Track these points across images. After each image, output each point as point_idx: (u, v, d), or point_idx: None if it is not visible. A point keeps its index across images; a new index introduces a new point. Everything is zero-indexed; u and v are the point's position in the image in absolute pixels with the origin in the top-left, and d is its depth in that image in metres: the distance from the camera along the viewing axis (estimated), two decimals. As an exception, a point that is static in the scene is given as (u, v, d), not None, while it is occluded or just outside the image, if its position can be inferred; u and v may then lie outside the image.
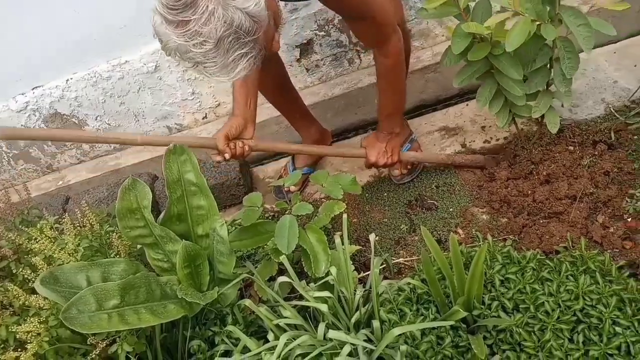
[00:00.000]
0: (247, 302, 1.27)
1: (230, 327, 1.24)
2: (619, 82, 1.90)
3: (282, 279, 1.35)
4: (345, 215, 1.49)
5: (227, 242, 1.25)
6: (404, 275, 1.66)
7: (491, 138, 1.97)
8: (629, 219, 1.57)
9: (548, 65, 1.61)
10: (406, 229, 1.83)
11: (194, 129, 2.49)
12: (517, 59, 1.55)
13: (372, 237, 1.37)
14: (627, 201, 1.60)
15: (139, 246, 1.37)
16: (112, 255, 1.34)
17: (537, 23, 1.48)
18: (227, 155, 1.51)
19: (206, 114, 2.46)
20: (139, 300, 1.17)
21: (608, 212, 1.59)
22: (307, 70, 2.40)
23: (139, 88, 2.30)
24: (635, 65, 1.91)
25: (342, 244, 1.46)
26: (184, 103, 2.41)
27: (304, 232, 1.49)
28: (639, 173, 1.65)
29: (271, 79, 1.87)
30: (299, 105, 2.03)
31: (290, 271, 1.34)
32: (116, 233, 1.37)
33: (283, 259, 1.34)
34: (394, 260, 1.73)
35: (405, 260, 1.73)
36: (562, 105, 1.77)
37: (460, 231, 1.75)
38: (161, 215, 1.30)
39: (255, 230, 1.52)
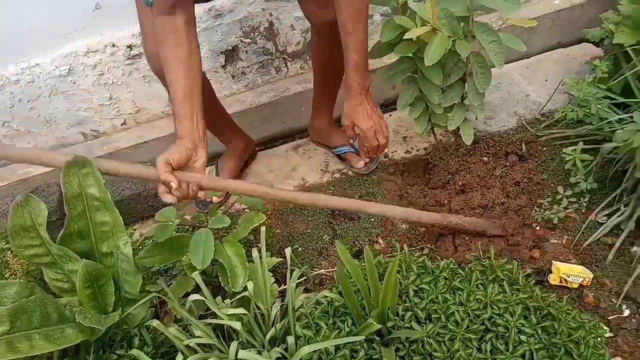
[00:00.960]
0: (155, 322, 1.21)
1: (134, 351, 1.17)
2: (531, 95, 2.00)
3: (195, 296, 1.29)
4: (263, 228, 1.46)
5: (132, 260, 1.19)
6: (325, 287, 1.65)
7: (412, 148, 2.00)
8: (538, 228, 1.64)
9: (463, 80, 1.67)
10: (329, 239, 1.82)
11: (112, 136, 2.37)
12: (439, 65, 1.59)
13: (287, 251, 1.34)
14: (535, 210, 1.67)
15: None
16: (6, 276, 1.23)
17: (453, 39, 1.53)
18: (173, 185, 1.19)
19: (125, 120, 2.35)
20: (32, 326, 1.08)
21: (518, 221, 1.66)
22: (233, 77, 2.35)
23: (51, 92, 2.16)
24: (546, 80, 2.01)
25: (260, 257, 1.43)
26: (101, 109, 2.29)
27: (221, 246, 1.45)
28: (547, 183, 1.73)
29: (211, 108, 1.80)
30: (225, 120, 1.98)
31: (203, 288, 1.29)
32: (11, 251, 1.26)
33: (196, 275, 1.29)
34: (315, 271, 1.71)
35: (327, 272, 1.72)
36: (477, 118, 1.83)
37: (380, 241, 1.76)
38: (60, 233, 1.21)
39: (169, 245, 1.46)
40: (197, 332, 1.26)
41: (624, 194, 1.56)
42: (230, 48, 2.23)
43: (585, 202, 1.63)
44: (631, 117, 1.52)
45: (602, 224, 1.57)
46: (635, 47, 1.62)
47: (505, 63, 2.15)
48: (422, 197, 1.81)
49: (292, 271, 1.68)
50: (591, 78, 1.69)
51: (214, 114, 1.86)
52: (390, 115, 2.16)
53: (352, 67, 1.44)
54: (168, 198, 1.22)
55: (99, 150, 2.30)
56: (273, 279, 1.50)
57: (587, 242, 1.55)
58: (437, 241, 1.68)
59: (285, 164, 2.09)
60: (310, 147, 2.14)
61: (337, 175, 2.01)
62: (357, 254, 1.75)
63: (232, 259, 1.44)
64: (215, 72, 2.29)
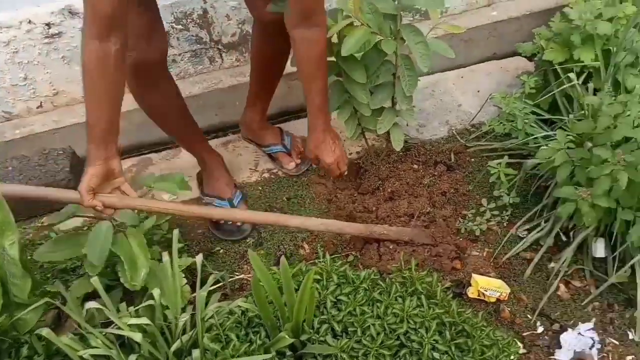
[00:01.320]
0: (45, 331, 1.10)
1: (20, 362, 1.05)
2: (463, 105, 2.00)
3: (92, 304, 1.19)
4: (176, 231, 1.36)
5: (19, 262, 1.07)
6: (245, 292, 1.58)
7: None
8: (461, 239, 1.64)
9: (393, 83, 1.64)
10: (253, 242, 1.75)
11: (27, 119, 2.18)
12: (362, 64, 1.55)
13: (198, 258, 1.26)
14: (460, 221, 1.67)
15: None
16: None
17: (380, 39, 1.49)
18: (99, 208, 1.24)
19: (41, 102, 2.17)
20: None
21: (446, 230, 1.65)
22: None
23: (-44, 68, 1.95)
24: (478, 91, 2.02)
25: (171, 259, 1.34)
26: (15, 89, 2.10)
27: (124, 240, 1.34)
28: (472, 195, 1.74)
29: (175, 109, 1.66)
30: (198, 128, 1.80)
31: (101, 291, 1.19)
32: None
33: (95, 278, 1.19)
34: (236, 276, 1.64)
35: (247, 277, 1.65)
36: (407, 124, 1.81)
37: (306, 246, 1.71)
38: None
39: (72, 241, 1.34)
40: (95, 342, 1.15)
41: (544, 209, 1.59)
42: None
43: (507, 215, 1.65)
44: (555, 134, 1.55)
45: (523, 238, 1.59)
46: (564, 65, 1.65)
47: (441, 71, 2.19)
48: (351, 202, 1.78)
49: (206, 277, 1.61)
50: (519, 93, 1.71)
51: (189, 122, 1.75)
52: (325, 115, 2.10)
53: (315, 110, 1.51)
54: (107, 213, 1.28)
55: (10, 133, 2.11)
56: (187, 285, 1.42)
57: (507, 256, 1.56)
58: (363, 248, 1.65)
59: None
60: (241, 144, 2.06)
61: (266, 175, 1.94)
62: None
63: (133, 250, 1.33)
64: (144, 58, 2.15)
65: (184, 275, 1.39)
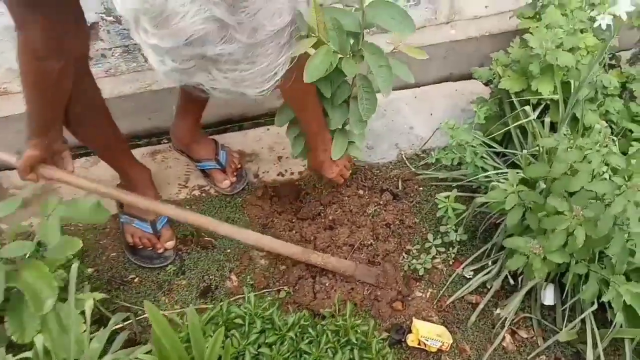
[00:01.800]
0: None
1: None
2: (415, 128, 1.88)
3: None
4: (74, 266, 1.15)
5: None
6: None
7: (286, 171, 1.80)
8: (403, 280, 1.50)
9: (347, 102, 1.48)
10: (174, 270, 1.55)
11: None
12: (328, 78, 1.38)
13: (88, 305, 1.06)
14: (403, 257, 1.54)
15: None
16: None
17: (340, 56, 1.33)
18: (33, 183, 1.32)
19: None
20: None
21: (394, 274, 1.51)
22: (91, 57, 1.98)
23: None
24: (431, 114, 1.91)
25: (66, 298, 1.13)
26: None
27: (16, 273, 1.13)
28: (418, 228, 1.61)
29: (97, 112, 1.44)
30: (121, 135, 1.56)
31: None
32: None
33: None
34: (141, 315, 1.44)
35: (167, 313, 1.45)
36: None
37: (234, 277, 1.54)
38: None
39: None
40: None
41: (493, 249, 1.48)
42: (88, 24, 1.87)
43: (453, 253, 1.53)
44: (507, 171, 1.44)
45: (469, 279, 1.48)
46: (520, 95, 1.55)
47: (394, 89, 2.05)
48: (288, 229, 1.61)
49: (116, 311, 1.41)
50: (470, 122, 1.60)
51: (113, 146, 1.54)
52: (268, 129, 1.93)
53: (312, 134, 1.46)
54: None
55: None
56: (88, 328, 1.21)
57: (451, 299, 1.44)
58: (297, 284, 1.49)
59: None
60: (171, 154, 1.86)
61: (196, 192, 1.75)
62: (205, 291, 1.51)
63: (35, 283, 1.13)
64: (67, 51, 1.91)
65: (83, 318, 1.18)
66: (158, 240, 1.58)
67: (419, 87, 2.05)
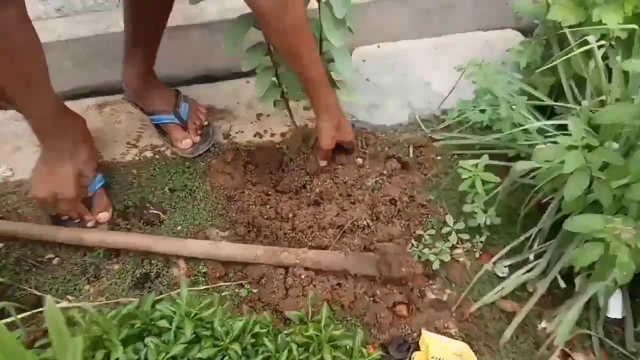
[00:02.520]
0: None
1: None
2: (432, 84, 1.47)
3: None
4: None
5: None
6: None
7: (265, 131, 1.40)
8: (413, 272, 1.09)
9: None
10: (105, 251, 1.17)
11: None
12: None
13: None
14: (412, 245, 1.13)
15: None
16: None
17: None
18: None
19: None
20: None
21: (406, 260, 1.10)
22: (37, -6, 1.61)
23: None
24: (454, 67, 1.49)
25: None
26: None
27: None
28: (434, 207, 1.20)
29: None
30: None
31: None
32: None
33: None
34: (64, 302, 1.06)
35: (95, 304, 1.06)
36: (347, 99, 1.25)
37: (182, 264, 1.14)
38: None
39: None
40: None
41: (537, 238, 1.07)
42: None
43: (481, 242, 1.12)
44: (560, 126, 1.03)
45: (502, 278, 1.07)
46: (576, 28, 1.13)
47: (406, 39, 1.65)
48: (260, 203, 1.22)
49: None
50: (506, 67, 1.19)
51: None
52: (247, 82, 1.54)
53: (318, 87, 1.11)
54: None
55: None
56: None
57: (477, 305, 1.03)
58: (264, 276, 1.09)
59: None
60: (124, 107, 1.47)
61: (148, 153, 1.36)
62: (142, 281, 1.12)
63: None
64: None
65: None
66: (88, 211, 1.20)
67: (439, 36, 1.64)
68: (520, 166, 1.02)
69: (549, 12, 1.16)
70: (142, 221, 1.22)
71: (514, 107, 1.14)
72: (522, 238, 1.08)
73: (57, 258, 1.16)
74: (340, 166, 1.27)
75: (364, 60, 1.53)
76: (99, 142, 1.37)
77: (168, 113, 1.35)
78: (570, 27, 1.14)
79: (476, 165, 1.09)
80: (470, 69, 1.13)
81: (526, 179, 1.06)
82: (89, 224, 1.20)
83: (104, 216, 1.21)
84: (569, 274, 1.03)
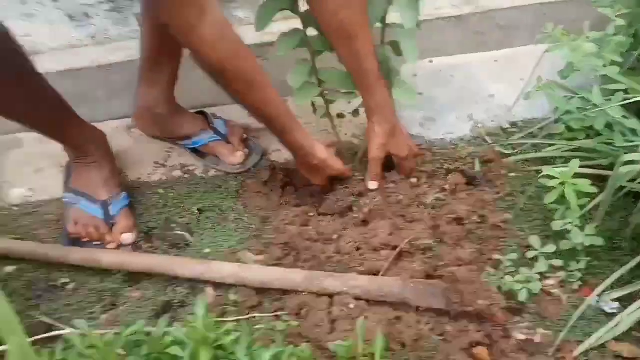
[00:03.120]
0: None
1: None
2: (496, 97, 1.29)
3: None
4: None
5: None
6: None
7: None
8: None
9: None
10: (124, 276, 1.00)
11: None
12: None
13: None
14: (488, 272, 0.91)
15: None
16: None
17: None
18: None
19: None
20: None
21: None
22: (71, 17, 1.56)
23: None
24: (521, 79, 1.31)
25: None
26: None
27: None
28: (511, 229, 0.99)
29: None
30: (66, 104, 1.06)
31: None
32: None
33: None
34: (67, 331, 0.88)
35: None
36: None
37: (210, 290, 0.96)
38: None
39: None
40: None
41: (652, 263, 0.83)
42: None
43: (579, 269, 0.89)
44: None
45: (612, 314, 0.83)
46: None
47: (464, 53, 1.50)
48: (300, 223, 1.03)
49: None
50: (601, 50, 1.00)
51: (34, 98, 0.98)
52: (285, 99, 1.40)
53: (373, 80, 0.97)
54: None
55: None
56: None
57: (583, 348, 0.79)
58: (305, 306, 0.89)
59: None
60: (155, 130, 1.35)
61: (177, 172, 1.22)
62: (164, 310, 0.94)
63: None
64: (41, 3, 1.50)
65: None
66: (110, 230, 1.07)
67: (499, 50, 1.48)
68: (624, 169, 0.81)
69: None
70: (166, 244, 1.06)
71: (605, 104, 0.95)
72: (632, 264, 0.85)
73: (72, 283, 1.01)
74: (391, 184, 1.08)
75: (414, 75, 1.37)
76: (125, 162, 1.24)
77: (205, 131, 1.22)
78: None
79: (563, 172, 0.89)
80: (553, 38, 0.95)
81: (635, 185, 0.84)
82: (110, 246, 1.05)
83: (127, 237, 1.07)
84: None
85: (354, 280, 0.88)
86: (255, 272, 0.93)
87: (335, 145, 1.16)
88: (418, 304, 0.86)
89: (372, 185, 1.06)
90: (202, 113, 1.28)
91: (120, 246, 1.07)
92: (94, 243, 1.07)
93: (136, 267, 0.98)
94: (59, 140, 1.08)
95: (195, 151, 1.25)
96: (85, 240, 1.07)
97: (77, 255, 1.00)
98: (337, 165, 1.05)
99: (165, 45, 1.14)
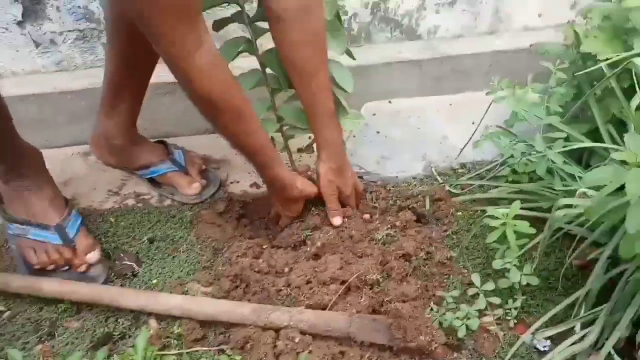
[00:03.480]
0: None
1: None
2: (450, 138, 1.35)
3: None
4: None
5: None
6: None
7: (264, 182, 1.25)
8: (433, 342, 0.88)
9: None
10: (65, 307, 0.98)
11: None
12: None
13: None
14: (432, 308, 0.93)
15: None
16: None
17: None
18: None
19: None
20: None
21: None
22: (37, 44, 1.57)
23: None
24: (473, 123, 1.37)
25: None
26: None
27: None
28: (455, 266, 1.02)
29: None
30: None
31: None
32: None
33: None
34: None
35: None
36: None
37: (153, 322, 0.95)
38: None
39: None
40: None
41: (584, 303, 0.87)
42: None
43: (516, 307, 0.92)
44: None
45: (544, 352, 0.86)
46: (613, 65, 1.02)
47: (421, 96, 1.57)
48: (252, 255, 1.04)
49: None
50: (543, 99, 1.07)
51: None
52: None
53: (328, 116, 1.01)
54: None
55: None
56: None
57: (516, 385, 0.81)
58: (249, 339, 0.89)
59: (58, 174, 1.26)
60: (112, 157, 1.35)
61: (131, 201, 1.22)
62: (103, 342, 0.92)
63: None
64: (6, 30, 1.50)
65: None
66: (74, 253, 1.03)
67: (455, 94, 1.55)
68: (559, 213, 0.85)
69: (580, 45, 1.05)
70: (112, 274, 1.04)
71: (549, 156, 1.00)
72: (564, 303, 0.89)
73: (8, 311, 0.98)
74: (345, 219, 1.10)
75: (374, 114, 1.42)
76: (77, 189, 1.24)
77: (163, 162, 1.22)
78: (605, 60, 1.03)
79: (505, 214, 0.93)
80: (501, 92, 1.01)
81: (571, 227, 0.89)
82: (81, 269, 1.02)
83: (93, 256, 1.04)
84: (627, 347, 0.82)
85: (299, 313, 0.89)
86: (203, 304, 0.93)
87: (308, 169, 1.18)
88: (363, 339, 0.87)
89: (337, 221, 1.07)
90: (162, 142, 1.29)
91: (89, 267, 1.03)
92: (62, 270, 1.03)
93: (78, 297, 0.96)
94: None
95: (152, 180, 1.25)
96: (50, 268, 1.02)
97: (18, 282, 0.97)
98: (314, 189, 1.07)
99: (131, 74, 1.15)
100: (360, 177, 1.23)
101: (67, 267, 1.03)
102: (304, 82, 0.97)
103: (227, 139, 0.94)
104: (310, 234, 1.08)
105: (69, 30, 1.55)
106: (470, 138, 1.22)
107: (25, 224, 1.03)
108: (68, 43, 1.58)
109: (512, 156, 1.07)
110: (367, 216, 1.14)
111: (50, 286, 0.97)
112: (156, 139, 1.30)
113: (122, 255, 1.06)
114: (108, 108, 1.19)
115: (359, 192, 1.13)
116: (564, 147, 1.00)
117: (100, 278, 1.03)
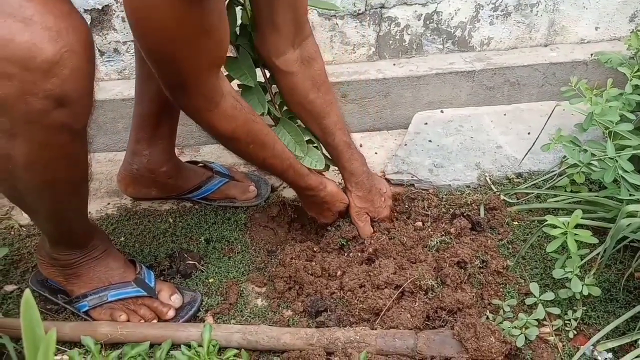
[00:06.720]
0: None
1: None
2: (504, 148, 1.33)
3: None
4: None
5: None
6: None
7: (316, 188, 1.27)
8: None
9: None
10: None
11: None
12: None
13: None
14: (487, 317, 0.92)
15: None
16: None
17: None
18: None
19: None
20: None
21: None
22: (102, 53, 1.66)
23: None
24: (529, 133, 1.36)
25: None
26: None
27: None
28: (512, 275, 1.00)
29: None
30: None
31: None
32: None
33: None
34: None
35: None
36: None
37: (209, 319, 0.97)
38: None
39: None
40: None
41: (649, 315, 0.84)
42: (99, 7, 1.57)
43: (576, 318, 0.90)
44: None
45: (606, 365, 0.83)
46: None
47: (474, 105, 1.56)
48: (305, 258, 1.06)
49: None
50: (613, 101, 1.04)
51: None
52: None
53: (345, 149, 1.05)
54: None
55: None
56: None
57: (577, 397, 0.79)
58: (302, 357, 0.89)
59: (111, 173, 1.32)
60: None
61: (188, 203, 1.25)
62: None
63: None
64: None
65: None
66: (159, 302, 0.98)
67: (508, 105, 1.53)
68: (625, 222, 0.83)
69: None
70: (178, 272, 1.07)
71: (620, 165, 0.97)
72: (627, 315, 0.85)
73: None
74: (396, 230, 1.10)
75: (425, 123, 1.42)
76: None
77: (211, 178, 1.22)
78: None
79: (566, 222, 0.91)
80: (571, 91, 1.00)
81: (636, 236, 0.86)
82: (169, 315, 0.96)
83: (176, 298, 0.99)
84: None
85: (361, 332, 0.86)
86: (262, 333, 0.89)
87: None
88: (432, 354, 0.85)
89: (364, 232, 1.10)
90: (194, 162, 1.27)
91: (177, 312, 0.97)
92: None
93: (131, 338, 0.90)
94: (62, 235, 0.91)
95: (205, 199, 1.23)
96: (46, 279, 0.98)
97: (69, 328, 0.92)
98: (343, 198, 1.08)
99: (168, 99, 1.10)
100: (412, 185, 1.24)
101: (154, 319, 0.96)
102: (317, 123, 1.01)
103: (253, 164, 0.98)
104: (363, 242, 1.08)
105: (132, 40, 1.63)
106: (532, 146, 1.21)
107: (99, 291, 0.96)
108: (131, 52, 1.66)
109: (574, 165, 1.05)
110: (419, 224, 1.14)
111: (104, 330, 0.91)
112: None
113: (185, 255, 1.09)
114: (150, 136, 1.13)
115: (391, 207, 1.14)
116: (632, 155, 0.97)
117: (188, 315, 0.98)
